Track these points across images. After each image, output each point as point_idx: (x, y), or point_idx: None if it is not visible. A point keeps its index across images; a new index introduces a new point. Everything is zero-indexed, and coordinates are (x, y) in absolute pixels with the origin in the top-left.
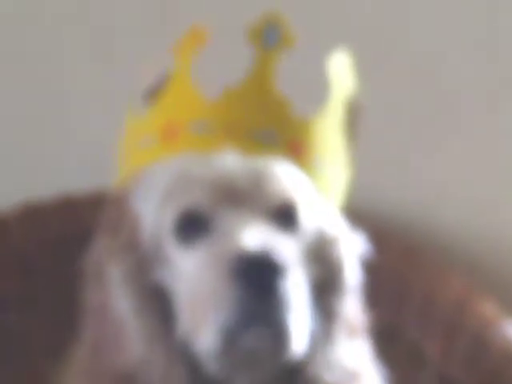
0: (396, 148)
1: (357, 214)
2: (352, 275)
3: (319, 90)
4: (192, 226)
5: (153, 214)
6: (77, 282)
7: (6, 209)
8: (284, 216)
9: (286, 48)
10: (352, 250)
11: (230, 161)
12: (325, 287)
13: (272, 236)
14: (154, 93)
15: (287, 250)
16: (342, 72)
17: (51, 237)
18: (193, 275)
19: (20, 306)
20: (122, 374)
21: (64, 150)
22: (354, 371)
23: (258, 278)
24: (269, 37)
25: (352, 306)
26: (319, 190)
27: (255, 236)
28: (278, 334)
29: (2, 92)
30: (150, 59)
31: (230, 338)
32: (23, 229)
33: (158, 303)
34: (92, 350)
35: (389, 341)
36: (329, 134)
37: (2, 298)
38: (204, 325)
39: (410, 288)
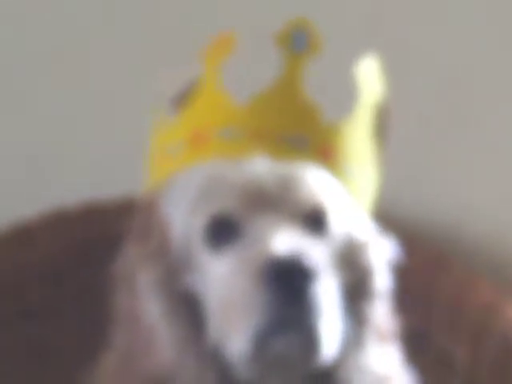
0: (426, 154)
1: (386, 219)
2: (382, 280)
3: (348, 95)
4: (222, 231)
5: (183, 220)
6: (104, 289)
7: (33, 216)
8: (314, 221)
9: (315, 53)
10: (381, 255)
11: (260, 166)
12: (355, 292)
13: (302, 241)
14: (182, 99)
15: (317, 254)
16: (370, 77)
17: (78, 244)
18: (223, 281)
19: (48, 314)
20: (153, 379)
21: (90, 156)
22: (385, 376)
23: (288, 282)
24: (297, 41)
25: (382, 312)
26: (349, 195)
27: (285, 241)
28: (308, 339)
29: (22, 100)
30: (177, 65)
31: (261, 343)
32: (50, 236)
33: (189, 309)
34: (123, 356)
35: (418, 347)
36: (358, 139)
37: (29, 307)
38: (235, 330)
39: (439, 293)
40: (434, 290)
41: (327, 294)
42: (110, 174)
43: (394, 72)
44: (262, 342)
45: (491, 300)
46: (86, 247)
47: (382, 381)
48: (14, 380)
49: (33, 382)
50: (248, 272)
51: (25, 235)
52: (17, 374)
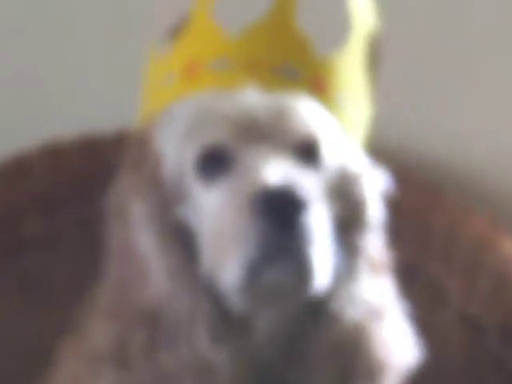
0: (420, 85)
1: (378, 151)
2: (374, 212)
3: (340, 27)
4: (214, 162)
5: (175, 151)
6: (99, 222)
7: (29, 149)
8: (306, 152)
9: None
10: (374, 187)
11: (252, 97)
12: (347, 224)
13: (294, 171)
14: (175, 31)
15: (309, 184)
16: (362, 9)
17: (73, 177)
18: (215, 211)
19: (42, 247)
20: (147, 310)
21: (85, 89)
22: (377, 307)
23: (280, 212)
24: None
25: (375, 243)
26: (342, 127)
27: (277, 171)
28: (300, 268)
29: (22, 34)
30: None
31: (253, 274)
32: (46, 169)
33: (182, 240)
34: (116, 288)
35: (411, 279)
36: (351, 71)
37: (25, 238)
38: (227, 261)
39: (432, 226)
40: (427, 221)
41: (319, 223)
42: (105, 107)
43: (387, 5)
44: (254, 272)
45: (485, 232)
46: (82, 180)
47: (375, 311)
48: (5, 316)
49: (25, 317)
50: (239, 202)
51: (20, 168)
52: (8, 309)
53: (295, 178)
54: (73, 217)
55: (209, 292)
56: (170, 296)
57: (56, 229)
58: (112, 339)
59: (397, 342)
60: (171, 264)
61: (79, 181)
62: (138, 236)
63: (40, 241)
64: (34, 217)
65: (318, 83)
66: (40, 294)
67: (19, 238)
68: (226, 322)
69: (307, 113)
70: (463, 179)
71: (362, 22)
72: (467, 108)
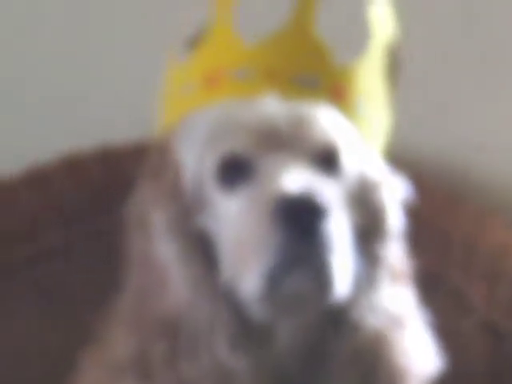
0: (440, 94)
1: (398, 159)
2: (394, 220)
3: (360, 36)
4: (234, 170)
5: (195, 160)
6: (117, 232)
7: (48, 160)
8: (326, 160)
9: None
10: (394, 195)
11: (272, 106)
12: (367, 232)
13: (314, 179)
14: (195, 40)
15: (329, 193)
16: (382, 18)
17: (93, 187)
18: (235, 220)
19: (61, 258)
20: (167, 319)
21: (104, 99)
22: (398, 316)
23: (300, 220)
24: None
25: (395, 252)
26: (361, 135)
27: (297, 179)
28: (321, 276)
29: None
30: (190, 6)
31: (273, 282)
32: (65, 180)
33: (202, 249)
34: (137, 298)
35: (432, 288)
36: (370, 79)
37: (46, 248)
38: (247, 269)
39: (453, 233)
40: (449, 229)
41: (339, 231)
42: (124, 118)
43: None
44: (274, 280)
45: (505, 240)
46: (101, 190)
47: (395, 320)
48: (25, 325)
49: (44, 327)
50: (260, 210)
51: (40, 179)
52: (28, 319)
53: (315, 186)
54: (91, 228)
55: (229, 301)
56: (190, 305)
57: (75, 239)
58: (133, 349)
59: (418, 350)
60: (192, 273)
61: (98, 191)
62: (159, 246)
63: (59, 252)
64: (53, 227)
65: (337, 91)
66: (61, 302)
67: (38, 249)
68: (247, 331)
69: (327, 121)
70: (482, 187)
71: (382, 31)
72: (487, 117)
